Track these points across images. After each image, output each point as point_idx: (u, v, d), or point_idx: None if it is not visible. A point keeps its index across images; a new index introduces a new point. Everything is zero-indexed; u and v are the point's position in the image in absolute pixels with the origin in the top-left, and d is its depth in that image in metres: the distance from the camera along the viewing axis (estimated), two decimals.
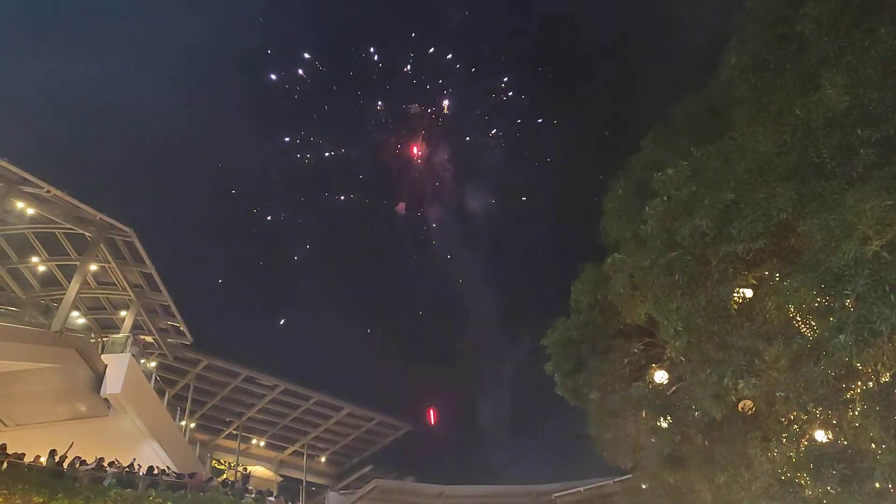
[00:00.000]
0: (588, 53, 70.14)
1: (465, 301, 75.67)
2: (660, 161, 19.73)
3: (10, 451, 21.80)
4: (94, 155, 60.52)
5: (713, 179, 16.44)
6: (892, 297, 12.42)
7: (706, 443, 18.05)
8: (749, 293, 16.98)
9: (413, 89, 77.92)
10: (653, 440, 19.75)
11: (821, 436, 16.07)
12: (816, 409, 15.30)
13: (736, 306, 16.72)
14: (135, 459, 26.67)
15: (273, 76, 74.03)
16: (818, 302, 14.31)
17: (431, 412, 63.58)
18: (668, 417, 18.80)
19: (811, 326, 15.72)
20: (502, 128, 78.19)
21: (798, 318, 16.30)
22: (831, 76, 14.90)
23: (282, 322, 68.81)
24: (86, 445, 24.92)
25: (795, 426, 16.75)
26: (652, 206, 17.61)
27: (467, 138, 79.05)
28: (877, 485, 13.87)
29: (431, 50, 76.59)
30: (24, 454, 22.06)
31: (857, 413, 14.51)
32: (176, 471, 28.60)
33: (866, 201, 12.95)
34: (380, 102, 77.07)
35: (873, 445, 14.36)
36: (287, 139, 75.01)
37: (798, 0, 16.34)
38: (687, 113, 22.01)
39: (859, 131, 14.35)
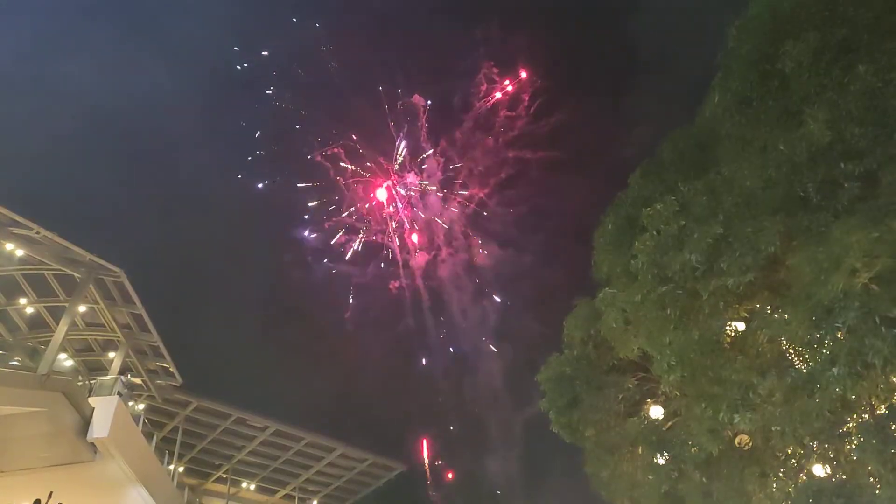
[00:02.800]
0: (574, 96, 71.58)
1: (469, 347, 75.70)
2: (648, 196, 19.96)
3: None
4: (87, 195, 60.59)
5: (701, 214, 16.62)
6: (883, 329, 12.50)
7: (704, 479, 17.86)
8: (741, 326, 17.02)
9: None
10: (650, 477, 19.49)
11: (819, 470, 15.94)
12: (813, 443, 15.25)
13: (729, 340, 16.75)
14: None
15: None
16: (810, 335, 14.36)
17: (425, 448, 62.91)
18: (665, 454, 18.59)
19: (804, 359, 15.75)
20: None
21: (791, 351, 16.35)
22: (813, 112, 15.24)
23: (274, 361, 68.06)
24: (71, 491, 24.22)
25: (793, 461, 16.64)
26: (642, 241, 17.72)
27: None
28: None
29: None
30: None
31: (853, 446, 14.43)
32: None
33: (853, 234, 13.12)
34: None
35: (872, 479, 14.26)
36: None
37: (778, 39, 16.81)
38: (673, 149, 22.34)
39: (843, 165, 14.64)
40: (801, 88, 16.22)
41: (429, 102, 77.73)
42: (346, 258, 77.98)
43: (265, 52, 73.43)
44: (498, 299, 76.72)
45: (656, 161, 22.81)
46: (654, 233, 17.52)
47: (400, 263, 79.80)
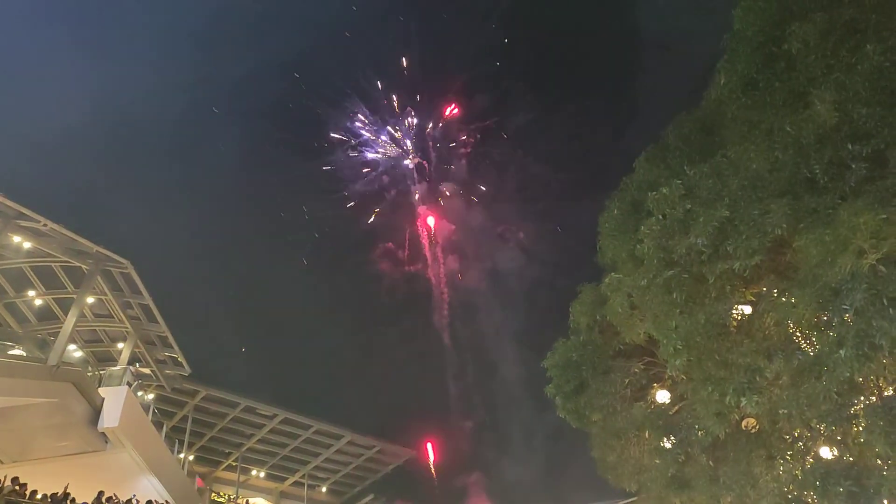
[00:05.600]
0: (580, 78, 71.10)
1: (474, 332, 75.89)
2: (654, 181, 19.87)
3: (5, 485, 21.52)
4: (93, 186, 60.75)
5: (707, 197, 16.54)
6: (891, 310, 12.46)
7: (711, 463, 17.91)
8: (748, 310, 16.99)
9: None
10: (657, 461, 19.56)
11: (826, 452, 15.95)
12: (820, 426, 15.23)
13: (735, 323, 16.72)
14: (134, 496, 26.29)
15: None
16: (817, 317, 14.34)
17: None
18: (672, 437, 18.64)
19: (811, 342, 15.72)
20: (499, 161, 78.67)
21: (798, 334, 16.32)
22: (820, 93, 15.12)
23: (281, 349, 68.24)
24: (83, 481, 24.49)
25: (800, 443, 16.64)
26: (647, 226, 17.66)
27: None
28: (885, 501, 13.77)
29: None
30: (25, 485, 21.81)
31: (861, 429, 14.42)
32: None
33: (860, 215, 13.05)
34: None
35: (879, 461, 14.28)
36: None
37: (785, 20, 16.65)
38: (679, 133, 22.22)
39: (850, 146, 14.54)
40: (808, 70, 16.08)
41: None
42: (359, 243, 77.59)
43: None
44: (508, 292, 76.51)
45: (661, 145, 22.70)
46: (660, 217, 17.45)
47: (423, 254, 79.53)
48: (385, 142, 77.13)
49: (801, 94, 16.19)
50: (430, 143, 78.84)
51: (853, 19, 15.65)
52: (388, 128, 76.94)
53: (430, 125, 78.18)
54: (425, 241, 79.74)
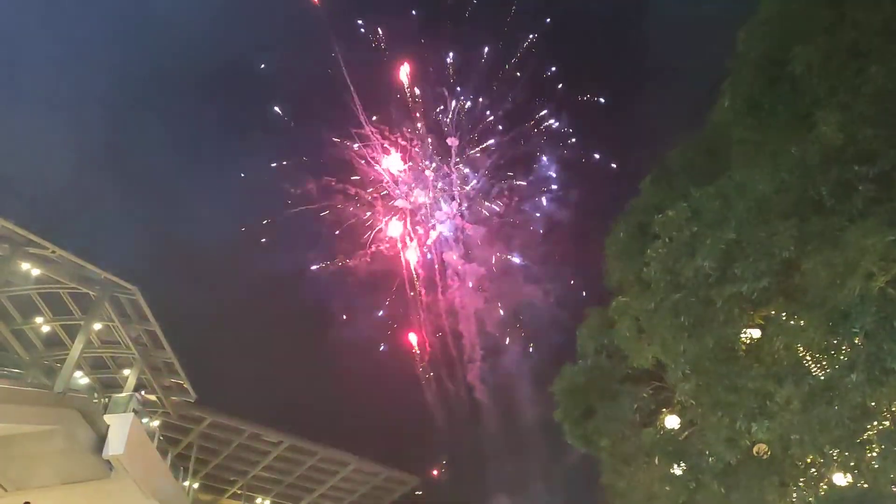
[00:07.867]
0: (583, 101, 71.62)
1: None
2: (659, 203, 19.81)
3: None
4: (101, 212, 61.25)
5: (714, 220, 16.42)
6: None
7: (722, 489, 17.55)
8: (757, 333, 16.76)
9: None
10: (667, 488, 19.24)
11: (839, 479, 15.62)
12: (833, 452, 14.92)
13: (744, 347, 16.49)
14: None
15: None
16: (827, 341, 14.13)
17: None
18: (682, 464, 18.33)
19: (822, 366, 15.48)
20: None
21: (808, 358, 16.06)
22: (825, 115, 15.07)
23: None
24: None
25: (813, 469, 16.33)
26: (654, 249, 17.55)
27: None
28: None
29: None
30: None
31: (874, 454, 14.14)
32: None
33: (868, 237, 12.91)
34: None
35: (894, 488, 13.97)
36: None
37: (788, 43, 16.69)
38: (684, 155, 22.21)
39: (856, 168, 14.42)
40: (812, 91, 16.06)
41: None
42: (363, 274, 77.50)
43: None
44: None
45: (667, 167, 22.70)
46: (667, 240, 17.34)
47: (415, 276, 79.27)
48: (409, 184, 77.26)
49: (806, 116, 16.15)
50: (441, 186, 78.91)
51: (856, 42, 15.67)
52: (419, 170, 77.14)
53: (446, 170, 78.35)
54: (443, 279, 79.75)
